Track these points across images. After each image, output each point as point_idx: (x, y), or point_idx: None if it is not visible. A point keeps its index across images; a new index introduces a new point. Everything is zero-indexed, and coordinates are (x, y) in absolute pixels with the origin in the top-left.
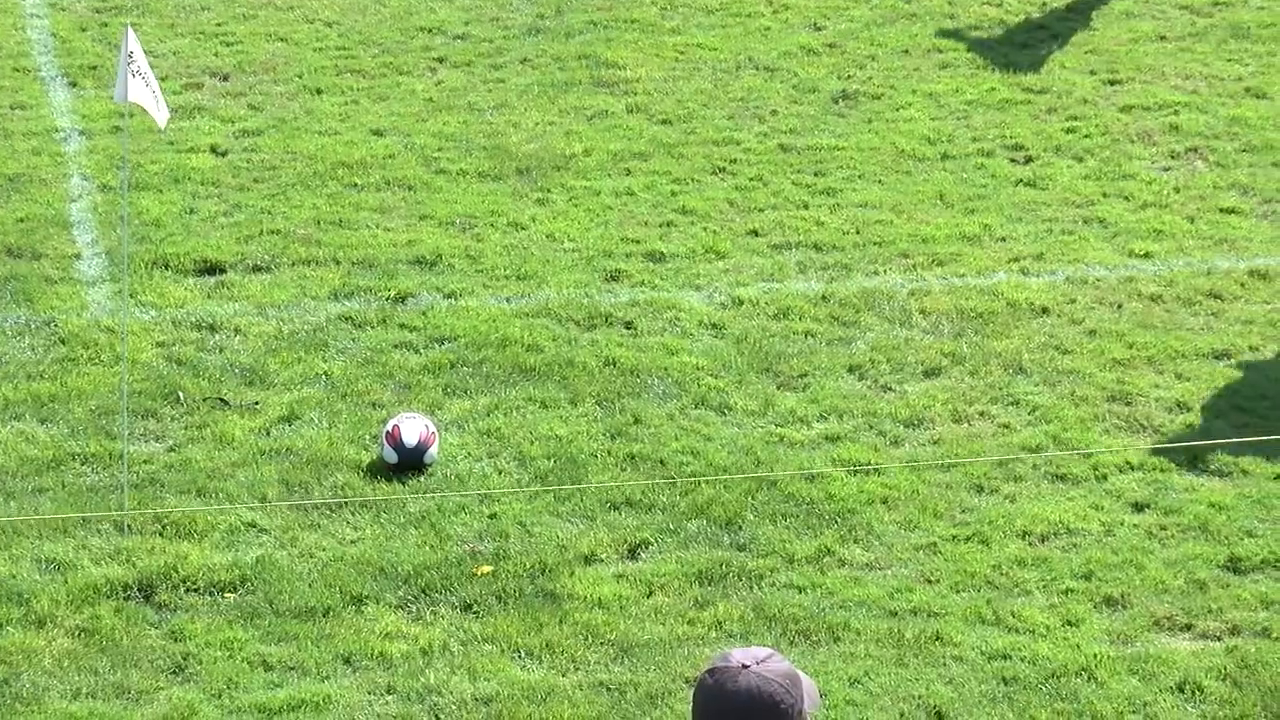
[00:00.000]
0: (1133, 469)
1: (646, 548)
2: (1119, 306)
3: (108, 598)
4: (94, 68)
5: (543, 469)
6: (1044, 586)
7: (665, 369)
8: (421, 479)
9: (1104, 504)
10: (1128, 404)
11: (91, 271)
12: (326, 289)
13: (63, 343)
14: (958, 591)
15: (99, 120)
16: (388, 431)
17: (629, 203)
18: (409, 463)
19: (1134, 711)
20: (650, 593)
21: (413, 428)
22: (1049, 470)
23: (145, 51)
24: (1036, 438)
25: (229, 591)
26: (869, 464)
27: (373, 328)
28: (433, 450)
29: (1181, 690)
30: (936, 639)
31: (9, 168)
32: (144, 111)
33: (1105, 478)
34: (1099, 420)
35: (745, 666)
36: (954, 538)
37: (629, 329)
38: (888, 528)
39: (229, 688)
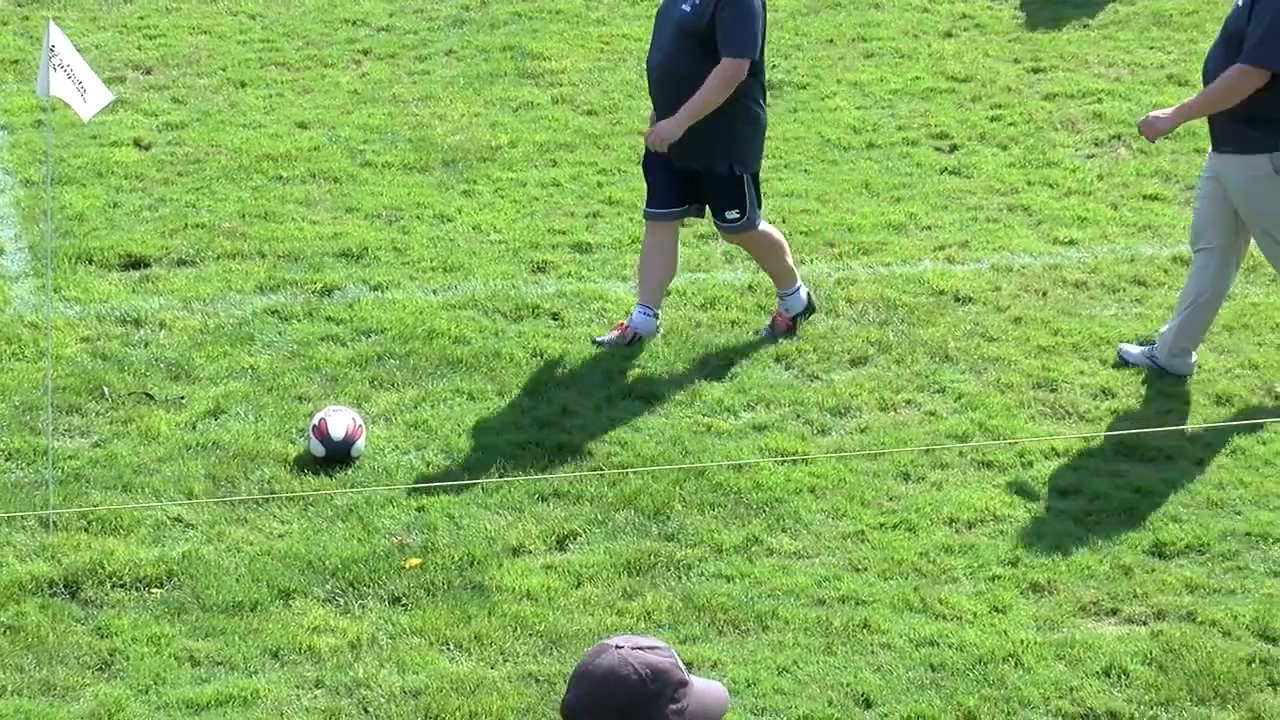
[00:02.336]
0: (1058, 455)
1: (575, 539)
2: (1044, 294)
3: (33, 594)
4: (15, 62)
5: (470, 461)
6: (971, 573)
7: (593, 360)
8: (349, 472)
9: (1030, 490)
10: (1053, 390)
11: (14, 267)
12: (252, 282)
13: None
14: (885, 579)
15: (21, 115)
16: (315, 425)
17: (555, 194)
18: (336, 456)
19: (1060, 696)
20: (579, 584)
21: (340, 421)
22: (975, 457)
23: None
24: (963, 425)
25: (155, 587)
26: (796, 453)
27: (299, 321)
28: (360, 443)
29: (1108, 675)
30: (864, 627)
31: None
32: (66, 105)
33: (1031, 464)
34: (1024, 407)
35: (619, 647)
36: (881, 526)
37: (556, 320)
38: (815, 516)
39: (156, 683)
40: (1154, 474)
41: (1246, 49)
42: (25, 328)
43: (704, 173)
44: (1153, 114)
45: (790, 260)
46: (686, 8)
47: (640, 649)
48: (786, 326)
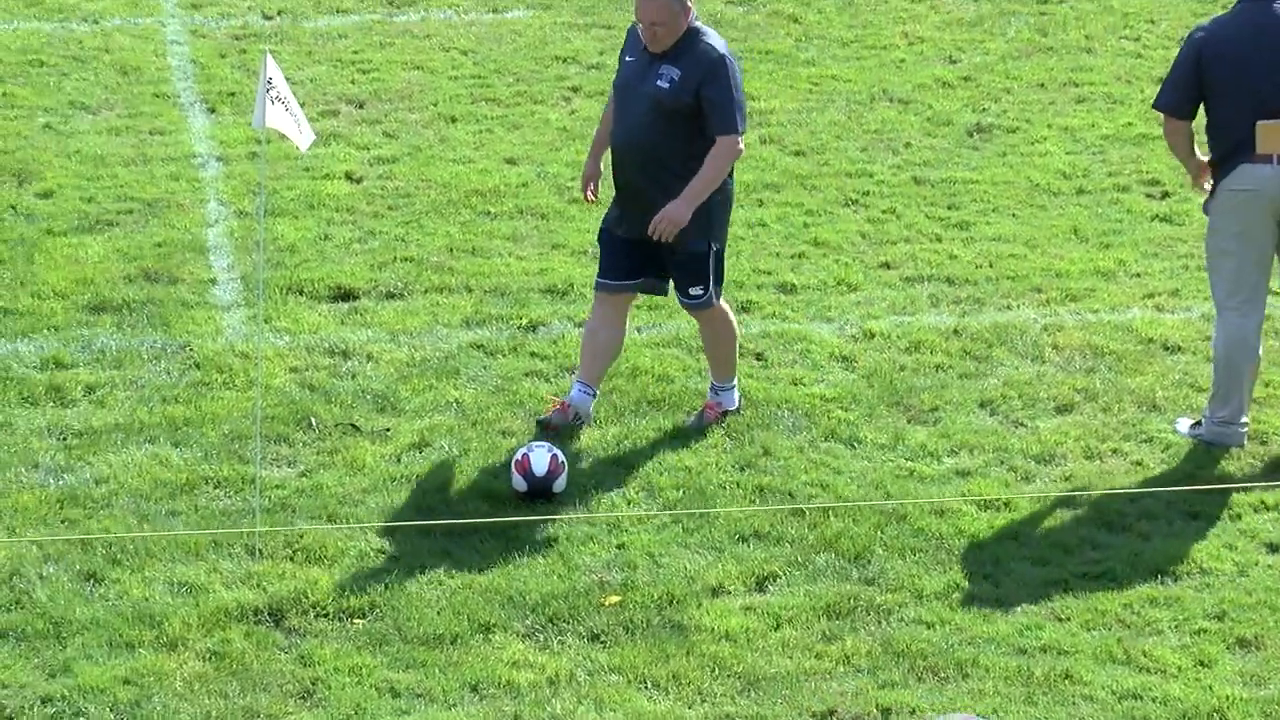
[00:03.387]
0: (1268, 509)
1: (774, 580)
2: None
3: (238, 621)
4: (232, 94)
5: (671, 500)
6: (1176, 626)
7: (795, 401)
8: (550, 508)
9: (1238, 544)
10: (1263, 443)
11: (227, 296)
12: (459, 316)
13: (197, 367)
14: (1088, 630)
15: (236, 146)
16: (517, 460)
17: (761, 234)
18: (538, 491)
19: None
20: (778, 625)
21: (542, 457)
22: (1182, 508)
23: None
24: (1170, 475)
25: (358, 617)
26: (1000, 499)
27: (504, 356)
28: (561, 480)
29: None
30: (1066, 677)
31: (147, 192)
32: (282, 137)
33: (1239, 517)
34: (1233, 459)
35: None
36: (1085, 575)
37: (759, 360)
38: (1018, 564)
39: (357, 714)
40: None
41: None
42: (236, 357)
43: (670, 248)
44: None
45: (736, 354)
46: (664, 84)
47: None
48: (716, 417)
